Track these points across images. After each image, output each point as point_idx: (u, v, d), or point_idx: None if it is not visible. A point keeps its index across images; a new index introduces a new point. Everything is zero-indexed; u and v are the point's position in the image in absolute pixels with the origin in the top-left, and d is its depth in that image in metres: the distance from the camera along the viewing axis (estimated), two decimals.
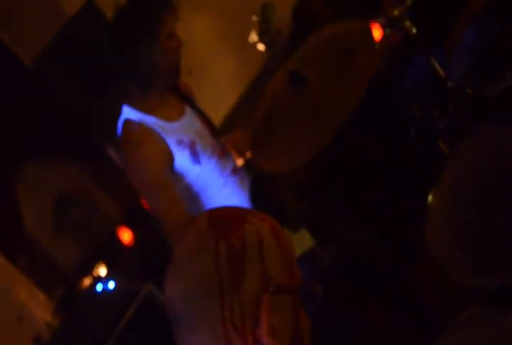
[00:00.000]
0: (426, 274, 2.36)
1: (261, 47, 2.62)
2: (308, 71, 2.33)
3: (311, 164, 2.41)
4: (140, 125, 2.44)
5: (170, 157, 2.43)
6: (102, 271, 3.57)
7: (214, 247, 1.07)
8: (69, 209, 3.76)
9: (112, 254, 3.68)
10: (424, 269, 2.35)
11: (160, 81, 2.46)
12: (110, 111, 2.61)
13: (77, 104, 3.80)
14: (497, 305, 1.76)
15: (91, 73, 3.58)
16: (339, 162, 3.01)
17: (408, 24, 2.31)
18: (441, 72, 2.33)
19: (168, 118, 2.50)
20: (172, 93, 2.58)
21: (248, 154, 2.65)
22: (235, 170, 2.61)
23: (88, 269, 3.58)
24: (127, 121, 2.46)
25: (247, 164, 2.66)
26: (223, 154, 2.58)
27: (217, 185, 2.53)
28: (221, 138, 2.68)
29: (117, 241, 3.73)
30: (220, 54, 4.45)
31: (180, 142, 2.45)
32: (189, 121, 2.56)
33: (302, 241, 2.54)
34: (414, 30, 2.32)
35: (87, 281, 3.56)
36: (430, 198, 2.03)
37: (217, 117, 3.92)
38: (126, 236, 3.73)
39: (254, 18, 2.56)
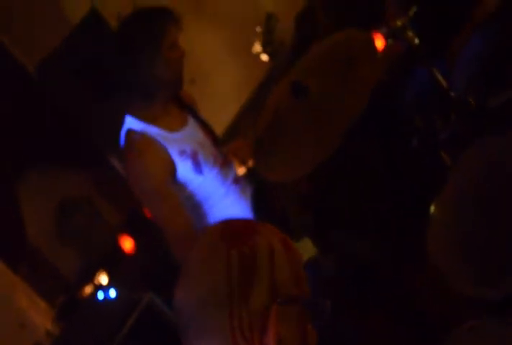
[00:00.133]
0: (428, 285, 2.35)
1: (264, 57, 2.63)
2: (310, 81, 2.33)
3: (313, 174, 2.41)
4: (143, 135, 2.44)
5: (172, 167, 2.43)
6: (103, 279, 3.56)
7: (225, 257, 1.08)
8: (71, 217, 3.76)
9: (114, 262, 3.68)
10: (426, 279, 2.35)
11: (163, 91, 2.46)
12: (113, 120, 2.61)
13: (80, 112, 3.81)
14: (500, 316, 1.76)
15: (94, 82, 3.59)
16: (341, 172, 3.01)
17: (410, 34, 2.32)
18: (444, 83, 2.34)
19: (171, 128, 2.50)
20: (174, 103, 2.59)
21: (250, 163, 2.65)
22: (237, 179, 2.61)
23: (90, 277, 3.58)
24: (130, 131, 2.47)
25: (249, 173, 2.66)
26: (225, 163, 2.59)
27: (219, 195, 2.54)
28: (223, 147, 2.68)
29: (119, 249, 3.73)
30: (223, 64, 4.45)
31: (182, 152, 2.45)
32: (191, 131, 2.57)
33: (304, 250, 2.54)
34: (417, 40, 2.32)
35: (88, 289, 3.56)
36: (432, 208, 2.03)
37: (220, 126, 3.93)
38: (127, 244, 3.73)
39: (258, 29, 2.58)
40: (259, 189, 2.64)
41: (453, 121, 2.26)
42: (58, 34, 3.74)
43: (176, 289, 1.12)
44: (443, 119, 2.28)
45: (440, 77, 2.33)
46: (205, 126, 2.64)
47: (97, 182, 3.92)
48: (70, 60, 3.69)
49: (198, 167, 2.47)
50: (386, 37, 2.52)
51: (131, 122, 2.47)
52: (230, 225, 1.15)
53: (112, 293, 3.37)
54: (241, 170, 2.66)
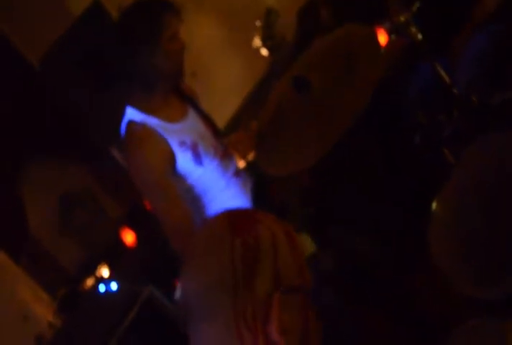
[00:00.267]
0: (428, 284, 2.35)
1: (264, 51, 2.62)
2: (313, 76, 2.32)
3: (314, 169, 2.40)
4: (143, 126, 2.43)
5: (172, 158, 2.43)
6: (105, 272, 3.57)
7: (230, 244, 1.09)
8: (73, 210, 3.77)
9: (115, 255, 3.69)
10: (426, 279, 2.34)
11: (162, 83, 2.46)
12: (114, 112, 2.60)
13: (81, 105, 3.80)
14: (500, 316, 1.75)
15: (96, 73, 3.58)
16: (342, 167, 3.00)
17: (413, 30, 2.30)
18: (447, 79, 2.32)
19: (171, 119, 2.50)
20: (175, 94, 2.58)
21: (250, 156, 2.64)
22: (237, 172, 2.60)
23: (91, 270, 3.59)
24: (130, 122, 2.46)
25: (249, 167, 2.65)
26: (225, 155, 2.58)
27: (219, 187, 2.53)
28: (224, 139, 2.67)
29: (120, 242, 3.73)
30: (224, 57, 4.44)
31: (182, 143, 2.44)
32: (192, 122, 2.56)
33: (302, 246, 2.52)
34: (420, 36, 2.31)
35: (90, 282, 3.57)
36: (434, 205, 2.02)
37: (221, 119, 3.92)
38: (128, 237, 3.73)
39: (258, 23, 2.56)
40: (259, 183, 2.64)
41: (456, 118, 2.25)
42: (60, 26, 3.73)
43: (180, 277, 1.13)
44: (446, 116, 2.27)
45: (443, 73, 2.31)
46: (206, 118, 2.63)
47: (99, 175, 3.93)
48: (72, 52, 3.68)
49: (198, 158, 2.46)
50: (389, 33, 2.51)
51: (131, 113, 2.47)
52: (234, 214, 1.16)
53: (113, 286, 3.37)
54: (241, 163, 2.66)
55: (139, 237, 3.72)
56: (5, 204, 3.55)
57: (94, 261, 3.63)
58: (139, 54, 2.38)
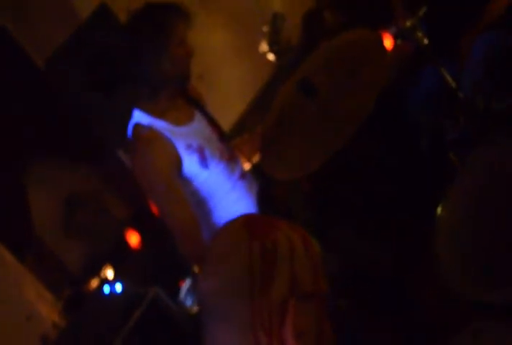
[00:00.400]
0: (430, 287, 2.35)
1: (271, 56, 2.63)
2: (319, 80, 2.33)
3: (318, 172, 2.41)
4: (150, 129, 2.45)
5: (178, 161, 2.44)
6: (109, 273, 3.58)
7: (248, 247, 1.10)
8: (78, 211, 3.77)
9: (120, 256, 3.69)
10: (428, 281, 2.34)
11: (169, 87, 2.47)
12: (121, 114, 2.62)
13: (88, 106, 3.81)
14: (503, 320, 1.76)
15: (103, 76, 3.59)
16: (347, 171, 3.01)
17: (419, 34, 2.31)
18: (452, 84, 2.33)
19: (178, 122, 2.51)
20: (181, 97, 2.60)
21: (255, 159, 2.65)
22: (243, 175, 2.61)
23: (96, 270, 3.59)
24: (137, 125, 2.47)
25: (254, 170, 2.66)
26: (231, 158, 2.59)
27: (225, 190, 2.54)
28: (230, 142, 2.69)
29: (125, 243, 3.74)
30: (231, 60, 4.45)
31: (188, 146, 2.45)
32: (198, 125, 2.57)
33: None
34: (426, 41, 2.31)
35: (94, 283, 3.57)
36: (439, 210, 2.03)
37: (227, 122, 3.93)
38: (133, 239, 3.74)
39: (265, 28, 2.57)
40: (264, 186, 2.65)
41: (461, 123, 2.26)
42: (68, 28, 3.74)
43: (200, 277, 1.15)
44: (451, 120, 2.28)
45: (449, 78, 2.32)
46: (212, 121, 2.64)
47: (105, 177, 3.93)
48: (79, 54, 3.69)
49: (204, 161, 2.47)
50: (395, 37, 2.51)
51: (138, 116, 2.48)
52: (252, 218, 1.18)
53: (118, 287, 3.38)
54: (246, 166, 2.67)
55: (144, 239, 3.73)
56: (11, 204, 3.56)
57: (99, 263, 3.64)
58: (145, 58, 2.39)
